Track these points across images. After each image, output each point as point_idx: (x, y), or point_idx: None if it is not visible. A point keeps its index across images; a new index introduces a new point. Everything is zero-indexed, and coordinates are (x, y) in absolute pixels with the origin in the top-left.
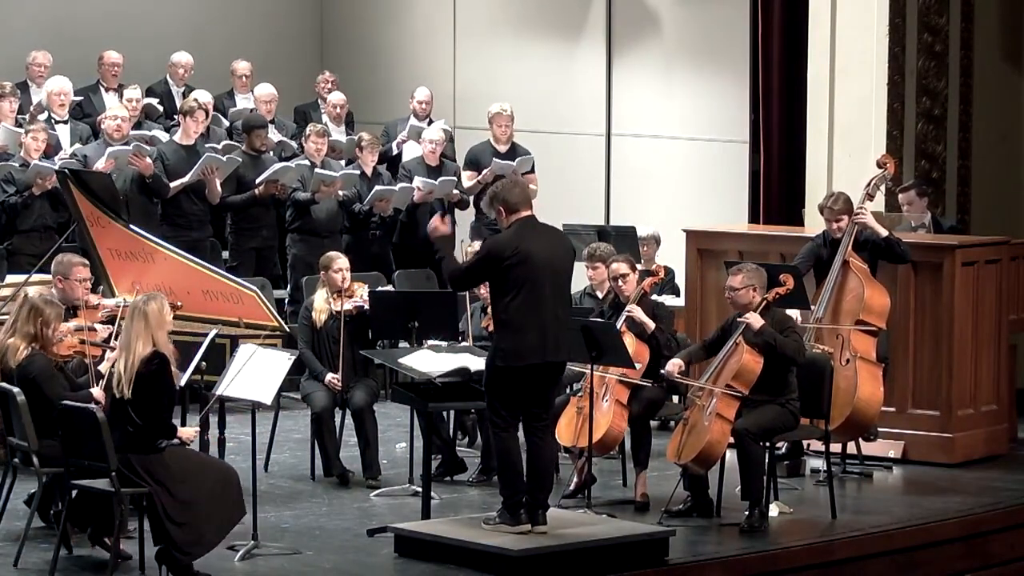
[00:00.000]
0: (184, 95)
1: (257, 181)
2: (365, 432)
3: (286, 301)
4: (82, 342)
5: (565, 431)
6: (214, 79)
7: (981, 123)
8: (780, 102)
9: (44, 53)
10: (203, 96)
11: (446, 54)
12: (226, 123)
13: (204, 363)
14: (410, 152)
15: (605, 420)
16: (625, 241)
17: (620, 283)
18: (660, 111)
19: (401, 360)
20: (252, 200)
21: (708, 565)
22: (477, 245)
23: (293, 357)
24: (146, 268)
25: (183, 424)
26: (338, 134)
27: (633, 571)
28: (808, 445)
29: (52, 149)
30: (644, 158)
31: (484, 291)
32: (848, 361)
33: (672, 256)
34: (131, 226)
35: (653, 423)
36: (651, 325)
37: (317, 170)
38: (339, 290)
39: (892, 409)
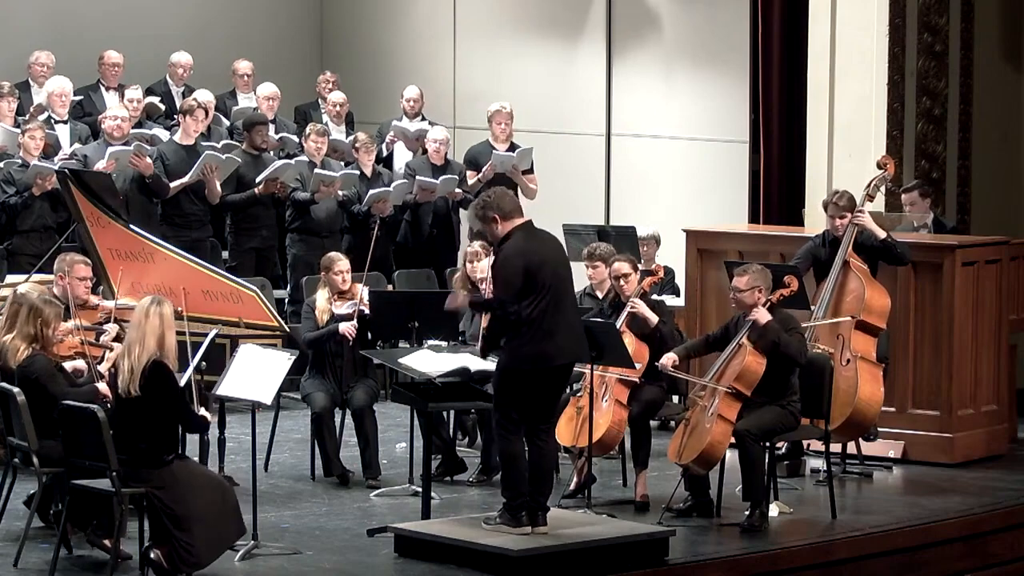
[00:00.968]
0: (184, 95)
1: (257, 180)
2: (365, 432)
3: (286, 301)
4: (83, 343)
5: (565, 431)
6: (214, 79)
7: (981, 123)
8: (780, 102)
9: (47, 53)
10: (203, 96)
11: (446, 54)
12: (227, 123)
13: (204, 363)
14: (400, 152)
15: (605, 420)
16: (625, 241)
17: (622, 282)
18: (660, 111)
19: (401, 360)
20: (252, 199)
21: (708, 565)
22: (477, 245)
23: (293, 357)
24: (146, 268)
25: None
26: (338, 133)
27: (633, 571)
28: (808, 445)
29: (52, 149)
30: (644, 158)
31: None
32: (848, 361)
33: (672, 256)
34: (131, 226)
35: (653, 423)
36: (653, 319)
37: (317, 170)
38: (340, 291)
39: (892, 409)
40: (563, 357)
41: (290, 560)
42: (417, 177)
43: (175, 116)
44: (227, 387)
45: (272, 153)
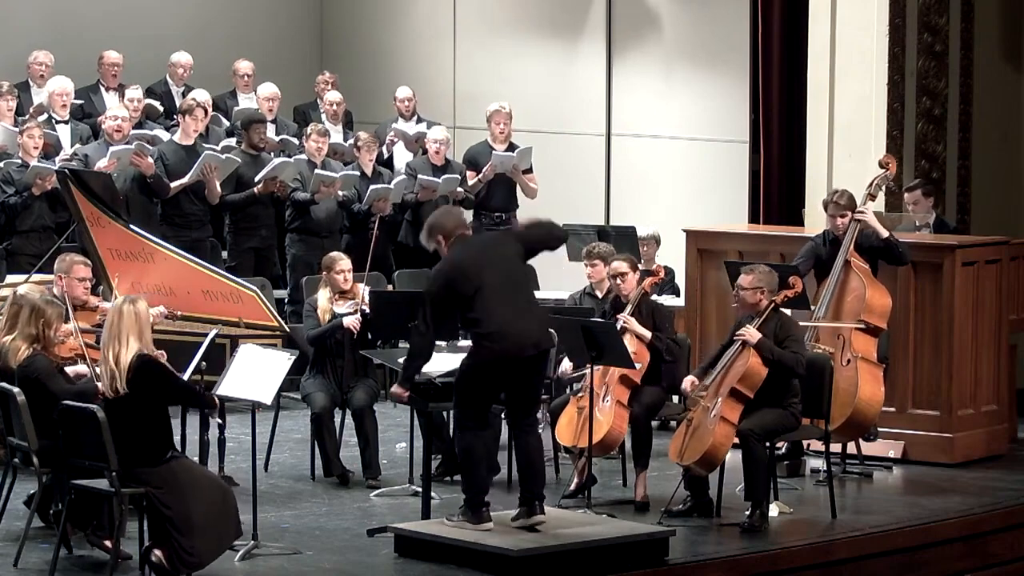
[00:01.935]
0: (184, 95)
1: (256, 179)
2: (365, 432)
3: (286, 301)
4: (88, 345)
5: (566, 431)
6: (214, 79)
7: (981, 123)
8: (780, 102)
9: (46, 52)
10: (202, 95)
11: (446, 54)
12: (227, 123)
13: (204, 363)
14: (400, 154)
15: (606, 420)
16: (625, 241)
17: (619, 281)
18: (660, 111)
19: (401, 360)
20: (252, 198)
21: (708, 565)
22: None
23: (293, 357)
24: (146, 268)
25: (182, 427)
26: (336, 134)
27: (633, 571)
28: (808, 445)
29: (52, 149)
30: (644, 158)
31: None
32: (849, 361)
33: (672, 256)
34: (131, 226)
35: (653, 423)
36: (647, 336)
37: (317, 171)
38: (342, 291)
39: (892, 409)
40: (518, 350)
41: (290, 560)
42: (419, 176)
43: (175, 116)
44: (227, 387)
45: (271, 153)
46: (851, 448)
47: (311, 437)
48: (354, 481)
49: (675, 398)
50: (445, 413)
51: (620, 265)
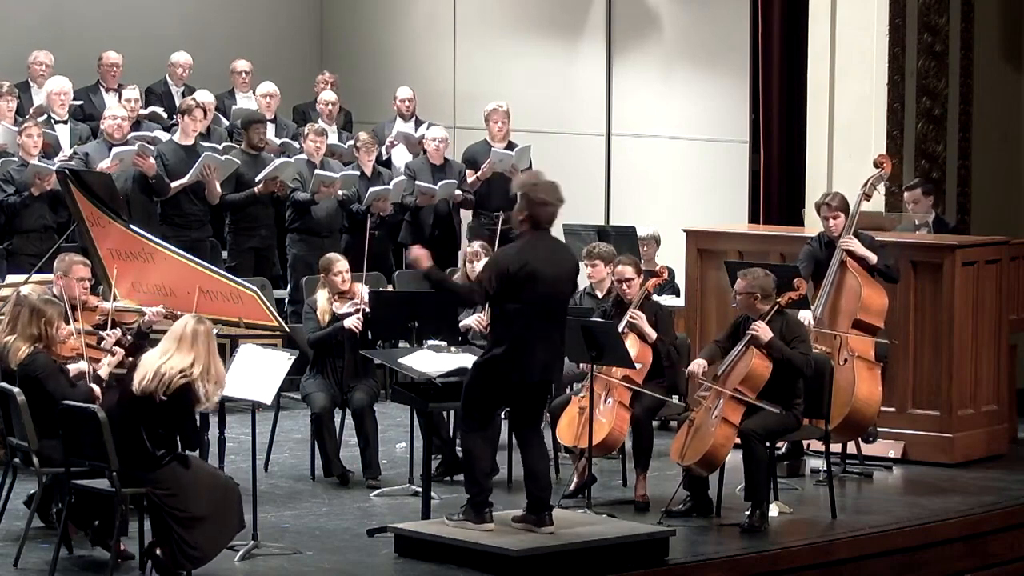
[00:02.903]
0: (184, 95)
1: (256, 179)
2: (365, 432)
3: (286, 301)
4: (88, 345)
5: (567, 431)
6: (214, 79)
7: (981, 123)
8: (780, 102)
9: (46, 52)
10: (202, 95)
11: (446, 54)
12: (226, 123)
13: None
14: (399, 154)
15: (608, 421)
16: (625, 241)
17: (624, 286)
18: (660, 111)
19: (401, 360)
20: (252, 198)
21: (708, 565)
22: (477, 245)
23: (293, 357)
24: (146, 268)
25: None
26: (332, 134)
27: (633, 571)
28: (808, 445)
29: (52, 149)
30: (644, 158)
31: None
32: (846, 360)
33: (672, 256)
34: (131, 226)
35: (654, 423)
36: (652, 335)
37: (317, 171)
38: (340, 292)
39: (892, 409)
40: (537, 374)
41: (290, 560)
42: (417, 182)
43: (175, 116)
44: (227, 387)
45: (271, 154)
46: (851, 448)
47: (311, 437)
48: (354, 481)
49: (675, 398)
50: (445, 413)
51: (626, 270)
